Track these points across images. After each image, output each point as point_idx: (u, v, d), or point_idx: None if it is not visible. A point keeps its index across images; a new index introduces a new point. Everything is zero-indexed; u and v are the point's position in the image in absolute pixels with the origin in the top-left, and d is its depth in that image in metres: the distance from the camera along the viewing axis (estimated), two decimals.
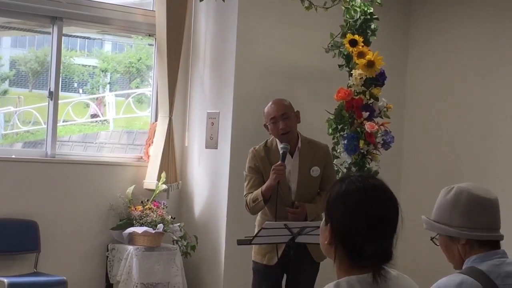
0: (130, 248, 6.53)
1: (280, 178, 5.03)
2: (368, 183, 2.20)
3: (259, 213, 5.33)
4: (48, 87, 6.74)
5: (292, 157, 5.21)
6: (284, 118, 5.18)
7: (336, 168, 5.78)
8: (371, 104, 5.85)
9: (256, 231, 5.29)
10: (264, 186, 5.10)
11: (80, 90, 9.41)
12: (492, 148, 6.94)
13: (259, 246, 5.17)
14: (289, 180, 5.18)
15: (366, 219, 2.13)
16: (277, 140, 5.25)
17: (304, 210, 5.14)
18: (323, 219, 2.24)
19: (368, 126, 5.72)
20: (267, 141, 5.34)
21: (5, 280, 5.98)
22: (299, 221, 5.10)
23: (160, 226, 6.57)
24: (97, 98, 9.39)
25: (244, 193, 5.27)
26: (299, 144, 5.25)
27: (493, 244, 2.69)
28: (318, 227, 2.27)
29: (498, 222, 2.72)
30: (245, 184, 5.29)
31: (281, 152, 5.12)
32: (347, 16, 5.95)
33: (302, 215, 5.14)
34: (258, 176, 5.23)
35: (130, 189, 6.77)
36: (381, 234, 2.13)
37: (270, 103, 5.31)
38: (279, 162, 5.07)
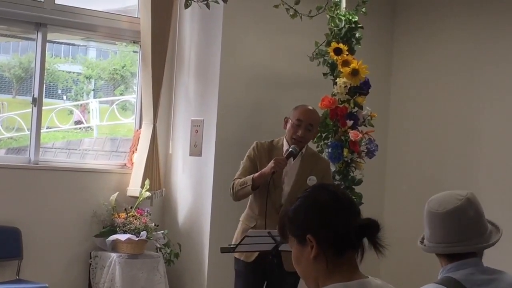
0: (113, 255, 6.51)
1: (277, 170, 5.02)
2: (315, 187, 2.34)
3: (246, 210, 5.31)
4: (32, 93, 6.72)
5: (293, 160, 5.20)
6: (308, 129, 5.18)
7: None
8: (355, 113, 5.86)
9: (238, 226, 5.31)
10: (257, 173, 5.09)
11: (64, 97, 9.36)
12: (476, 155, 6.97)
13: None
14: (283, 182, 5.17)
15: (338, 205, 2.19)
16: (284, 140, 5.26)
17: None
18: (294, 246, 2.24)
19: (352, 134, 5.74)
20: (272, 140, 5.34)
21: None
22: None
23: (144, 234, 6.55)
24: (81, 105, 9.34)
25: (234, 178, 5.26)
26: (303, 150, 5.25)
27: (462, 254, 2.68)
28: None
29: (451, 235, 2.67)
30: (239, 170, 5.30)
31: (289, 150, 5.12)
32: (332, 24, 5.97)
33: None
34: (252, 165, 5.23)
35: (113, 196, 6.75)
36: (356, 212, 2.20)
37: (305, 105, 5.29)
38: (283, 157, 5.08)
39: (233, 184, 5.21)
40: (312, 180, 5.21)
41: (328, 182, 5.34)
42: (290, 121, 5.22)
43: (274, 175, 5.06)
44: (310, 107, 5.30)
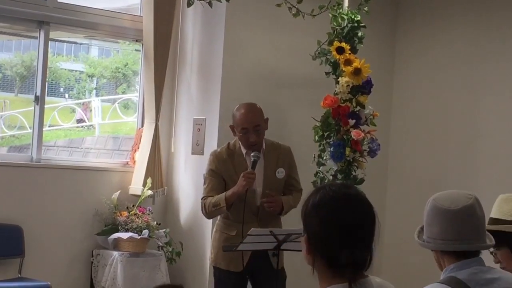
0: (115, 253, 6.52)
1: (250, 186, 4.93)
2: (341, 192, 2.23)
3: (220, 218, 5.25)
4: (34, 91, 6.73)
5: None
6: (257, 130, 5.06)
7: (322, 176, 5.78)
8: (357, 112, 5.85)
9: (215, 235, 5.28)
10: (229, 192, 4.99)
11: (66, 95, 9.38)
12: (477, 155, 6.97)
13: (222, 252, 5.11)
14: (254, 183, 5.05)
15: (338, 229, 2.16)
16: (241, 144, 5.16)
17: (279, 199, 5.08)
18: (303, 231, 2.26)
19: (354, 133, 5.73)
20: (229, 143, 5.23)
21: None
22: (276, 211, 5.07)
23: (145, 232, 6.55)
24: (83, 103, 9.36)
25: (202, 195, 5.15)
26: (264, 146, 5.17)
27: (469, 252, 2.68)
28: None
29: (464, 233, 2.66)
30: (204, 186, 5.18)
31: (251, 160, 5.00)
32: (334, 23, 5.96)
33: (279, 203, 5.07)
34: (218, 179, 5.12)
35: (115, 195, 6.75)
36: (355, 242, 2.15)
37: (242, 109, 5.13)
38: (250, 170, 4.97)
39: (204, 204, 5.09)
40: (281, 173, 5.16)
41: (294, 168, 5.30)
42: (237, 131, 5.10)
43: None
44: (244, 108, 5.14)
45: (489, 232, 2.86)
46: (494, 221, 3.05)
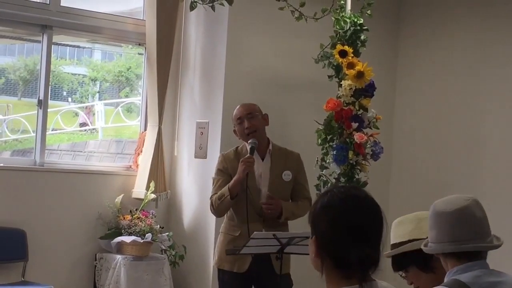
0: (118, 257, 6.52)
1: (249, 170, 5.02)
2: (350, 193, 2.25)
3: (225, 220, 5.29)
4: (37, 95, 6.73)
5: (263, 160, 5.21)
6: (249, 118, 5.21)
7: (325, 179, 5.78)
8: (360, 115, 5.84)
9: (219, 238, 5.31)
10: (231, 181, 5.08)
11: (69, 99, 9.39)
12: (481, 157, 6.96)
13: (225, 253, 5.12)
14: (259, 183, 5.16)
15: (348, 229, 2.16)
16: (246, 145, 5.24)
17: (279, 203, 5.12)
18: (311, 233, 2.26)
19: (357, 136, 5.72)
20: (237, 147, 5.34)
21: None
22: (274, 214, 5.09)
23: (149, 236, 6.55)
24: (86, 107, 9.36)
25: (211, 195, 5.24)
26: (270, 147, 5.26)
27: (471, 255, 2.68)
28: (307, 237, 2.28)
29: (460, 234, 2.66)
30: (213, 186, 5.29)
31: (249, 147, 5.13)
32: (337, 27, 5.96)
33: (277, 207, 5.11)
34: (226, 177, 5.21)
35: (118, 198, 6.75)
36: (365, 241, 2.16)
37: (238, 106, 5.36)
38: (248, 155, 5.08)
39: (212, 201, 5.19)
40: (287, 175, 5.22)
41: (302, 175, 5.35)
42: (236, 129, 5.29)
43: (249, 181, 5.04)
44: (240, 104, 5.37)
45: (392, 258, 2.90)
46: (393, 246, 3.06)
